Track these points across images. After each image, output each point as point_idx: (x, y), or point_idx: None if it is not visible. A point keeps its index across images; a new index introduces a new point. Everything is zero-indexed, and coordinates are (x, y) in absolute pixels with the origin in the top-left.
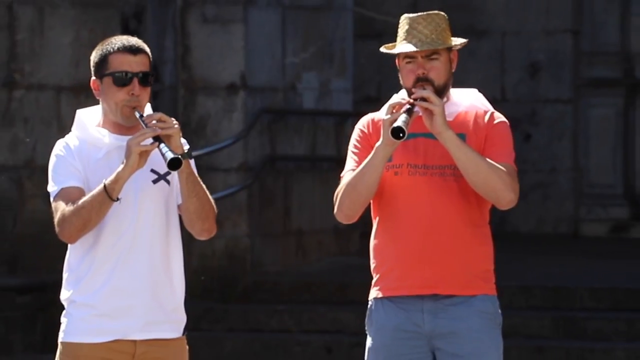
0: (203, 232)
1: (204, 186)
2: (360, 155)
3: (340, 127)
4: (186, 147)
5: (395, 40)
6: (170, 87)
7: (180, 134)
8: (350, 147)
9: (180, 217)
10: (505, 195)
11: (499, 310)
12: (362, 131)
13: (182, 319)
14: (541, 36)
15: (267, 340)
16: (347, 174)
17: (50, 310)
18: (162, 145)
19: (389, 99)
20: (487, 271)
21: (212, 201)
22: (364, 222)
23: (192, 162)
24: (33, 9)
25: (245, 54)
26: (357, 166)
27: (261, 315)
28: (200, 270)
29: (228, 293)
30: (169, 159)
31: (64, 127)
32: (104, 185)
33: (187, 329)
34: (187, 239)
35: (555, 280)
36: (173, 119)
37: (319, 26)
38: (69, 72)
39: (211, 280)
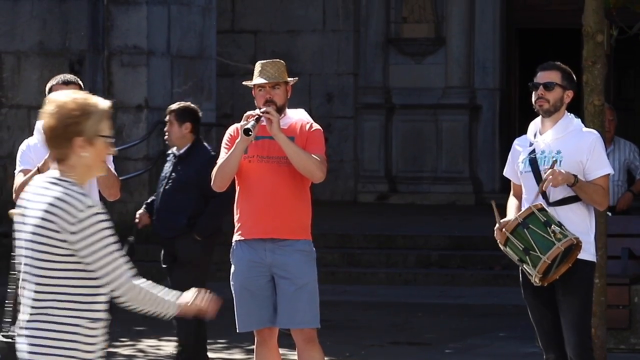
0: (110, 196)
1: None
2: (228, 149)
3: (208, 132)
4: None
5: (244, 77)
6: None
7: None
8: (222, 144)
9: None
10: (316, 174)
11: (314, 249)
12: (230, 134)
13: None
14: (334, 77)
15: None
16: (220, 160)
17: None
18: None
19: (238, 115)
20: (307, 224)
21: (117, 178)
22: None
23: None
24: (14, 57)
25: (147, 86)
26: (226, 156)
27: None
28: (120, 222)
29: (137, 235)
30: None
31: (33, 132)
32: (37, 169)
33: None
34: (111, 203)
35: (342, 229)
36: None
37: (194, 69)
38: (36, 97)
39: (126, 228)
